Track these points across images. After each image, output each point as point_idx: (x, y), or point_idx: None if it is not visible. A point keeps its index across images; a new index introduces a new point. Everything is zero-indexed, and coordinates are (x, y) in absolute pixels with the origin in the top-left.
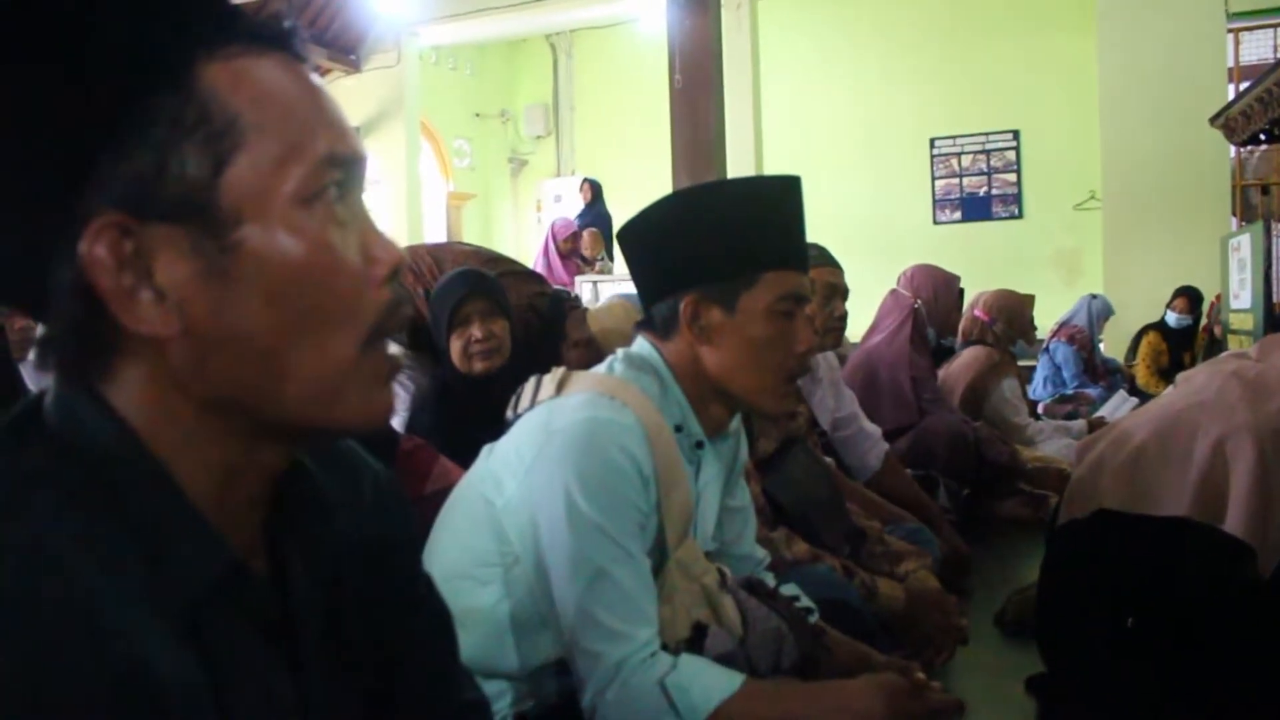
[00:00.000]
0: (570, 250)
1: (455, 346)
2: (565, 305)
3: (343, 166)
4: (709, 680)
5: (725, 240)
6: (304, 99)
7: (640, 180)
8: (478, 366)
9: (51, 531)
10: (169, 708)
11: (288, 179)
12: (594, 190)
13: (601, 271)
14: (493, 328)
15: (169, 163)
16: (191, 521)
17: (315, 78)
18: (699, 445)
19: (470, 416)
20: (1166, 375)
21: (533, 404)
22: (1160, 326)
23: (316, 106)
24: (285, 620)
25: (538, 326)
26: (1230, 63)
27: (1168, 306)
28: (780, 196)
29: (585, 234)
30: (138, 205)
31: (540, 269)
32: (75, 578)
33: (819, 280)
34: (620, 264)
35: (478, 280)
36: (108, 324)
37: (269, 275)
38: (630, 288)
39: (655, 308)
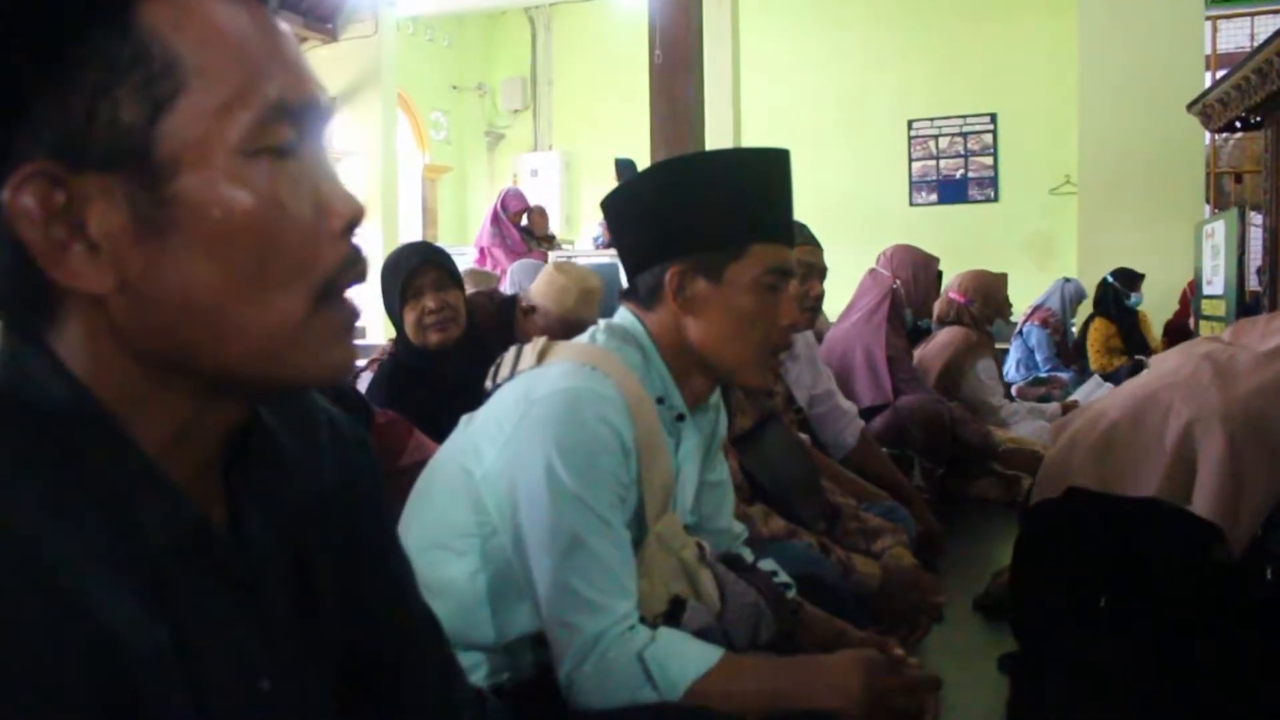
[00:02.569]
0: (518, 223)
1: (409, 319)
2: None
3: (295, 114)
4: (688, 654)
5: (714, 211)
6: (254, 38)
7: (618, 156)
8: (433, 338)
9: (8, 492)
10: (137, 671)
11: (232, 126)
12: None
13: (551, 248)
14: (446, 298)
15: (101, 107)
16: (151, 479)
17: (271, 15)
18: (680, 418)
19: (427, 390)
20: (1123, 356)
21: (513, 374)
22: (1107, 313)
23: (269, 47)
24: (250, 577)
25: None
26: (1208, 50)
27: (1131, 290)
28: (770, 168)
29: (533, 212)
30: (69, 153)
31: (488, 238)
32: (36, 539)
33: (798, 258)
34: (584, 239)
35: (429, 250)
36: (41, 277)
37: (209, 229)
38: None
39: (640, 277)
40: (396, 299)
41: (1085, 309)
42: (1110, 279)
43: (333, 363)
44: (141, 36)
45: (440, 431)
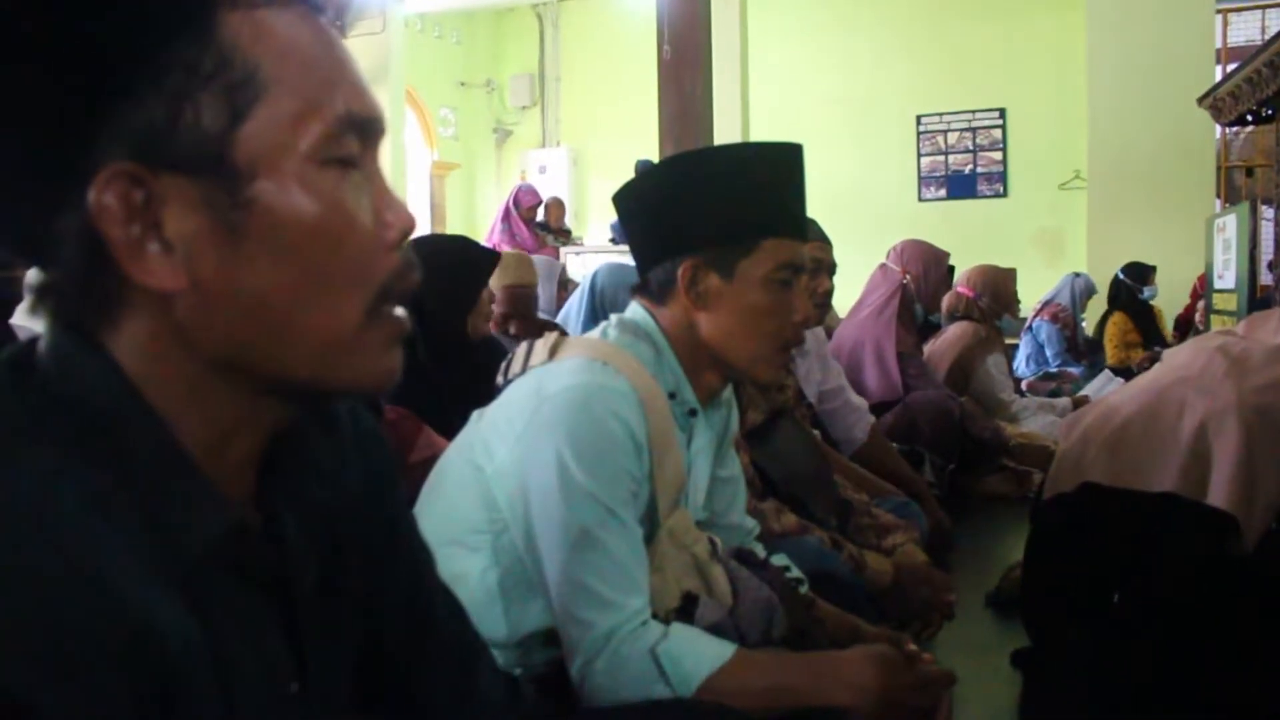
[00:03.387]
0: (531, 219)
1: (479, 310)
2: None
3: (360, 127)
4: (701, 650)
5: (726, 205)
6: (325, 55)
7: (626, 153)
8: (485, 328)
9: (52, 488)
10: (173, 666)
11: (305, 136)
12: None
13: (567, 243)
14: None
15: (184, 112)
16: (194, 480)
17: (335, 33)
18: (692, 413)
19: (445, 383)
20: (1141, 350)
21: (524, 369)
22: (1124, 307)
23: (337, 63)
24: (283, 581)
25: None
26: (1219, 44)
27: (1144, 284)
28: (783, 163)
29: (550, 204)
30: (150, 154)
31: (499, 235)
32: (77, 534)
33: (808, 254)
34: (592, 235)
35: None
36: (112, 274)
37: (281, 233)
38: (609, 257)
39: (652, 272)
40: (475, 290)
41: (1097, 305)
42: (1121, 275)
43: (384, 370)
44: (224, 46)
45: (453, 427)
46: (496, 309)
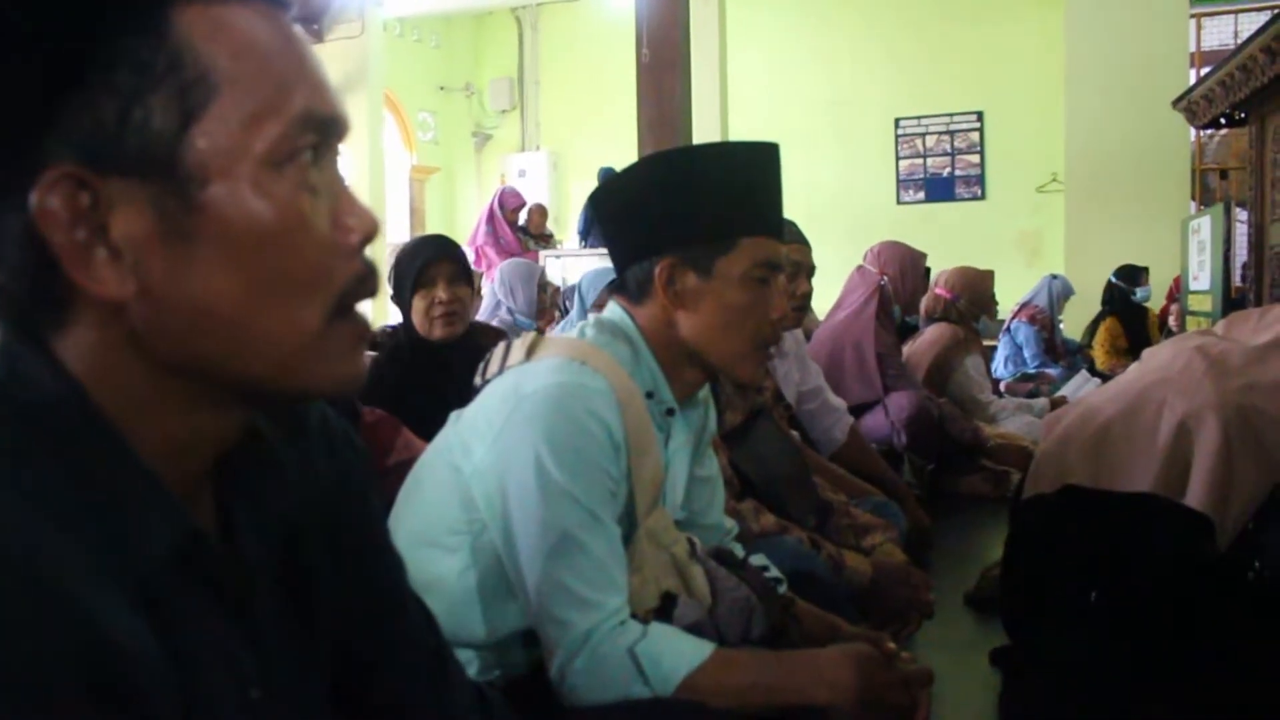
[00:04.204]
0: (514, 221)
1: (418, 306)
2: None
3: (319, 127)
4: (679, 649)
5: (703, 204)
6: (283, 52)
7: (606, 156)
8: (439, 331)
9: (3, 493)
10: (130, 675)
11: (260, 138)
12: None
13: (548, 247)
14: (458, 292)
15: (133, 112)
16: (148, 488)
17: (295, 29)
18: (669, 413)
19: (424, 384)
20: (1127, 356)
21: (501, 369)
22: (1118, 311)
23: (296, 61)
24: (240, 587)
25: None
26: (1192, 47)
27: (1136, 286)
28: (760, 162)
29: (533, 209)
30: (97, 156)
31: (483, 237)
32: (27, 541)
33: (787, 256)
34: (573, 239)
35: (447, 244)
36: (59, 278)
37: (234, 239)
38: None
39: (629, 271)
40: (410, 285)
41: (1075, 306)
42: (1114, 278)
43: (344, 375)
44: (176, 44)
45: (432, 427)
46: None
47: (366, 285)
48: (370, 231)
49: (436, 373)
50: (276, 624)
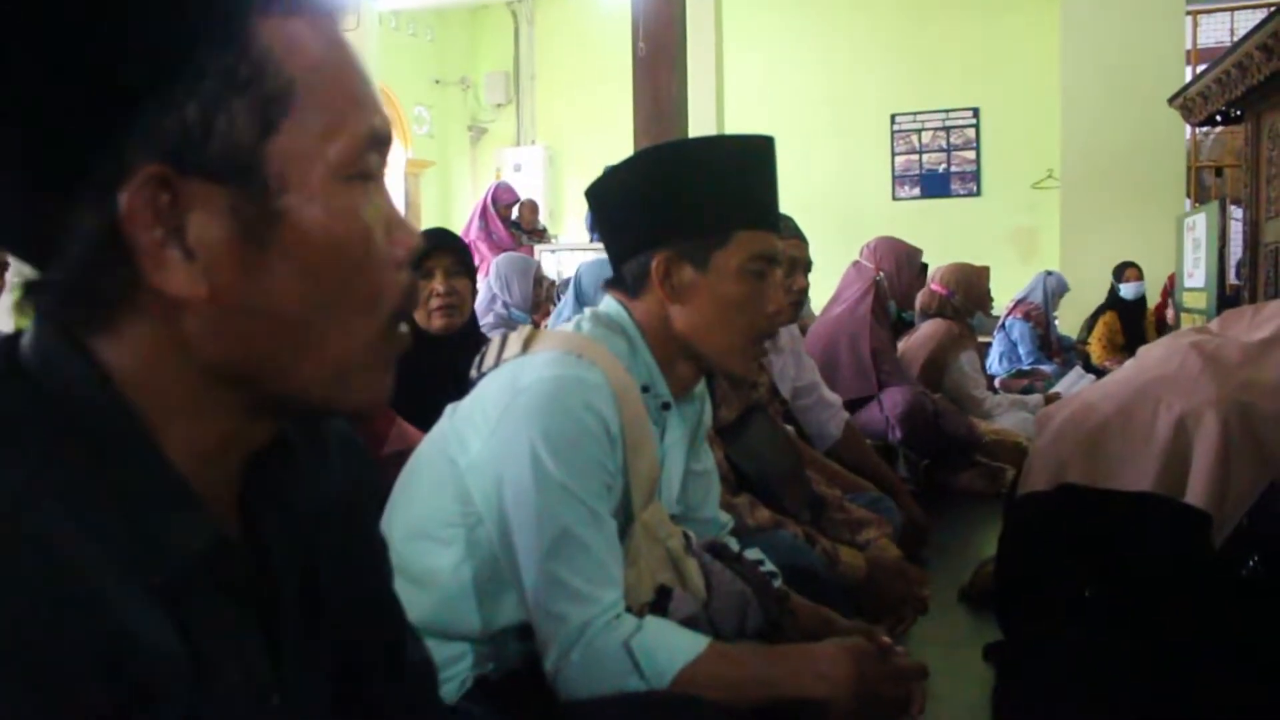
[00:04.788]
0: (507, 217)
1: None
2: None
3: (380, 146)
4: (675, 642)
5: (699, 197)
6: (352, 71)
7: (602, 150)
8: (436, 323)
9: (29, 491)
10: (153, 676)
11: (332, 152)
12: None
13: (541, 241)
14: (456, 284)
15: (217, 118)
16: (178, 492)
17: (355, 47)
18: (665, 407)
19: (421, 375)
20: (1123, 352)
21: (498, 362)
22: (1116, 306)
23: (362, 79)
24: (263, 594)
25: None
26: (1189, 45)
27: (1120, 282)
28: (755, 155)
29: (524, 205)
30: (180, 159)
31: (475, 232)
32: (55, 540)
33: (784, 252)
34: (568, 233)
35: (447, 235)
36: (122, 277)
37: (307, 248)
38: (584, 255)
39: (625, 265)
40: None
41: (1070, 303)
42: (1112, 278)
43: (382, 390)
44: (258, 56)
45: (428, 419)
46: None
47: (412, 300)
48: (417, 247)
49: (434, 365)
50: (297, 631)
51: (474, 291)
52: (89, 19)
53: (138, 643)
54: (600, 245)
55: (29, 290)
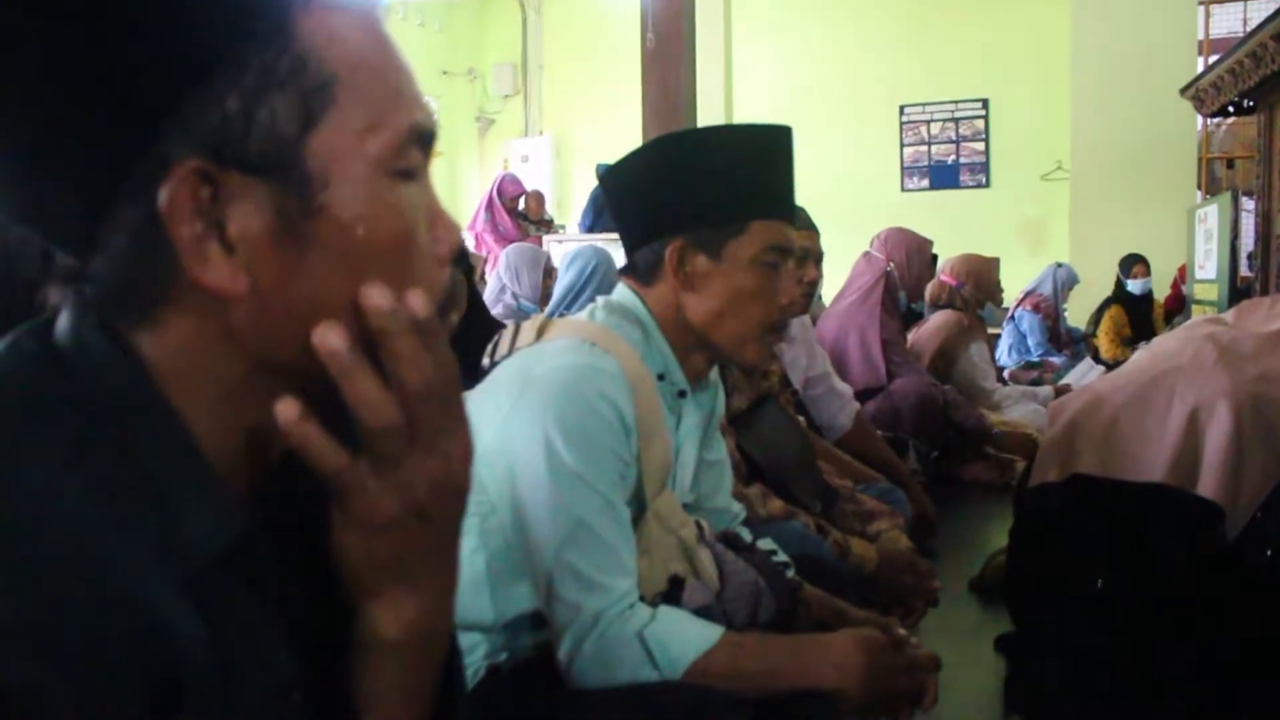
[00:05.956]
0: (513, 208)
1: None
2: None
3: (422, 140)
4: (688, 632)
5: (715, 186)
6: (393, 65)
7: (610, 142)
8: None
9: (60, 479)
10: (180, 666)
11: (375, 146)
12: None
13: (548, 232)
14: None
15: (258, 112)
16: (207, 484)
17: (396, 42)
18: (681, 394)
19: None
20: (1130, 346)
21: (511, 351)
22: (1122, 299)
23: (404, 74)
24: (283, 586)
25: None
26: (1200, 35)
27: (1128, 277)
28: (772, 145)
29: (530, 196)
30: (221, 153)
31: (481, 223)
32: (85, 528)
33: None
34: (573, 225)
35: None
36: (164, 270)
37: (348, 243)
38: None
39: (639, 253)
40: None
41: (1079, 295)
42: (1119, 272)
43: None
44: (300, 50)
45: None
46: None
47: (452, 297)
48: (457, 243)
49: None
50: (313, 622)
51: (470, 281)
52: (133, 14)
53: (165, 629)
54: (598, 236)
55: (68, 280)
